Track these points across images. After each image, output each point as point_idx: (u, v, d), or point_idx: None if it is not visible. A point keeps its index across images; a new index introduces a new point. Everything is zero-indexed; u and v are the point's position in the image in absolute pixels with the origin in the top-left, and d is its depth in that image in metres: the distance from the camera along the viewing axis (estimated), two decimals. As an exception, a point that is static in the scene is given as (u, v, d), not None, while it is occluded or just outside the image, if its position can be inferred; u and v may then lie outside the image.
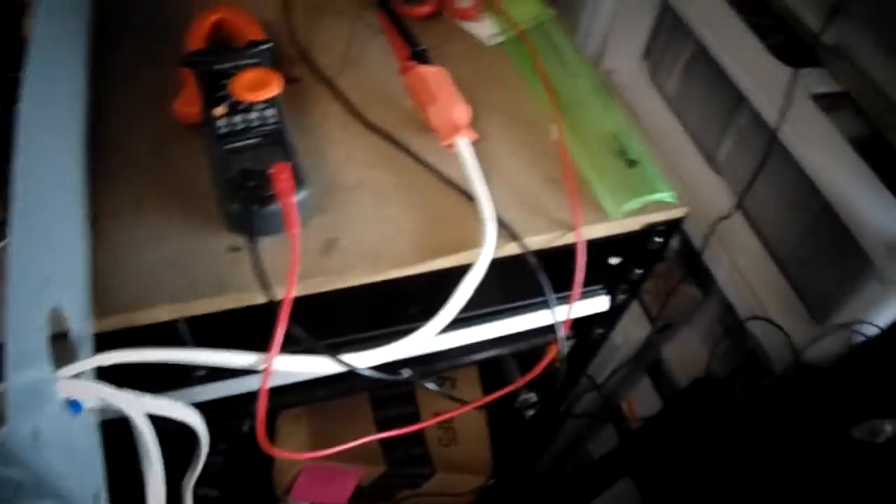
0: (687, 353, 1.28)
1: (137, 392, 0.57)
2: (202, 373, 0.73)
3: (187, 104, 0.72)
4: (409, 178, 0.72)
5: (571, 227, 0.69)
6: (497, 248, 0.66)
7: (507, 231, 0.68)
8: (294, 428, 1.17)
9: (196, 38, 0.78)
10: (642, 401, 1.38)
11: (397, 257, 0.66)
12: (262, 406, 0.60)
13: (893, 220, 0.89)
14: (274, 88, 0.70)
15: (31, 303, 0.49)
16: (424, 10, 0.86)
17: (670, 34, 1.25)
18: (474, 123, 0.74)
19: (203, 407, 0.62)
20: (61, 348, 0.54)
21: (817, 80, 1.03)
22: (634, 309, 1.28)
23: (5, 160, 0.55)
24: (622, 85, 1.30)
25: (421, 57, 0.76)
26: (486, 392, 1.27)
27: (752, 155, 1.08)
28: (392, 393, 1.28)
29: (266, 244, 0.64)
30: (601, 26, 1.27)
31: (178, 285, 0.63)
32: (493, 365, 0.91)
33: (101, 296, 0.61)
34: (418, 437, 1.27)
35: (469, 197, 0.69)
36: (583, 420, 1.52)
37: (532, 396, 1.02)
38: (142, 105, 0.76)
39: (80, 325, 0.56)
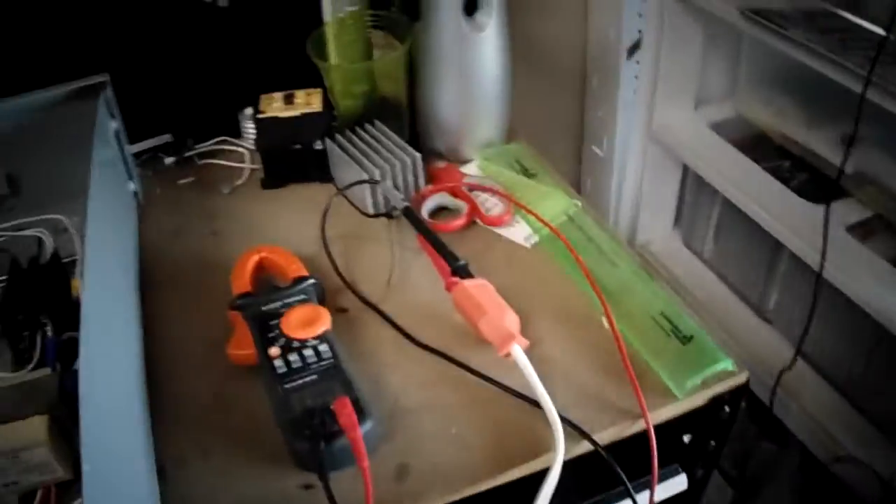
0: (775, 509, 1.24)
1: None
2: None
3: (241, 346, 0.74)
4: (470, 393, 0.72)
5: (639, 415, 0.69)
6: (568, 449, 0.65)
7: (576, 431, 0.67)
8: None
9: (240, 280, 0.80)
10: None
11: (471, 474, 0.65)
12: None
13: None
14: (324, 323, 0.72)
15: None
16: (458, 223, 0.89)
17: (696, 198, 1.27)
18: (526, 328, 0.74)
19: None
20: None
21: (848, 211, 1.04)
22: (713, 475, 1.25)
23: (73, 422, 0.56)
24: (659, 255, 1.31)
25: (462, 272, 0.78)
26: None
27: (801, 298, 1.07)
28: None
29: (338, 476, 0.63)
30: (629, 203, 1.30)
31: (255, 532, 0.62)
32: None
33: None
34: None
35: (534, 403, 0.69)
36: None
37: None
38: (195, 350, 0.78)
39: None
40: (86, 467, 0.50)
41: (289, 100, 0.99)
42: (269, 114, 0.98)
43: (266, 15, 1.05)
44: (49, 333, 0.75)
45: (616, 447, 0.68)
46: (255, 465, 0.67)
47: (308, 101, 0.99)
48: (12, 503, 0.65)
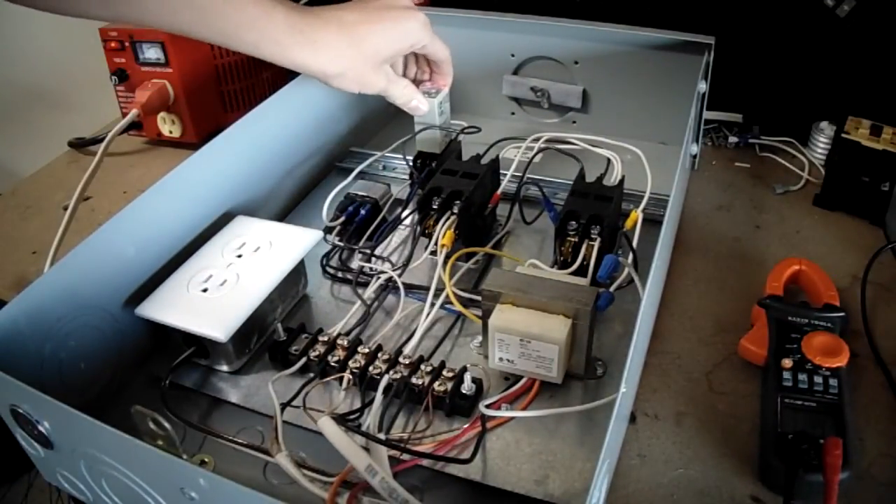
0: None
1: None
2: None
3: (756, 343, 0.75)
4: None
5: None
6: None
7: None
8: None
9: (776, 282, 0.81)
10: None
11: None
12: None
13: None
14: (843, 359, 0.71)
15: None
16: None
17: None
18: None
19: None
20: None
21: None
22: None
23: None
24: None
25: None
26: None
27: None
28: None
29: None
30: None
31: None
32: None
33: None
34: None
35: None
36: None
37: None
38: (704, 324, 0.81)
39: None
40: (623, 389, 0.56)
41: (875, 131, 0.96)
42: (853, 137, 0.96)
43: (882, 40, 1.03)
44: (595, 248, 0.79)
45: None
46: (718, 454, 0.68)
47: (893, 141, 0.96)
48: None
